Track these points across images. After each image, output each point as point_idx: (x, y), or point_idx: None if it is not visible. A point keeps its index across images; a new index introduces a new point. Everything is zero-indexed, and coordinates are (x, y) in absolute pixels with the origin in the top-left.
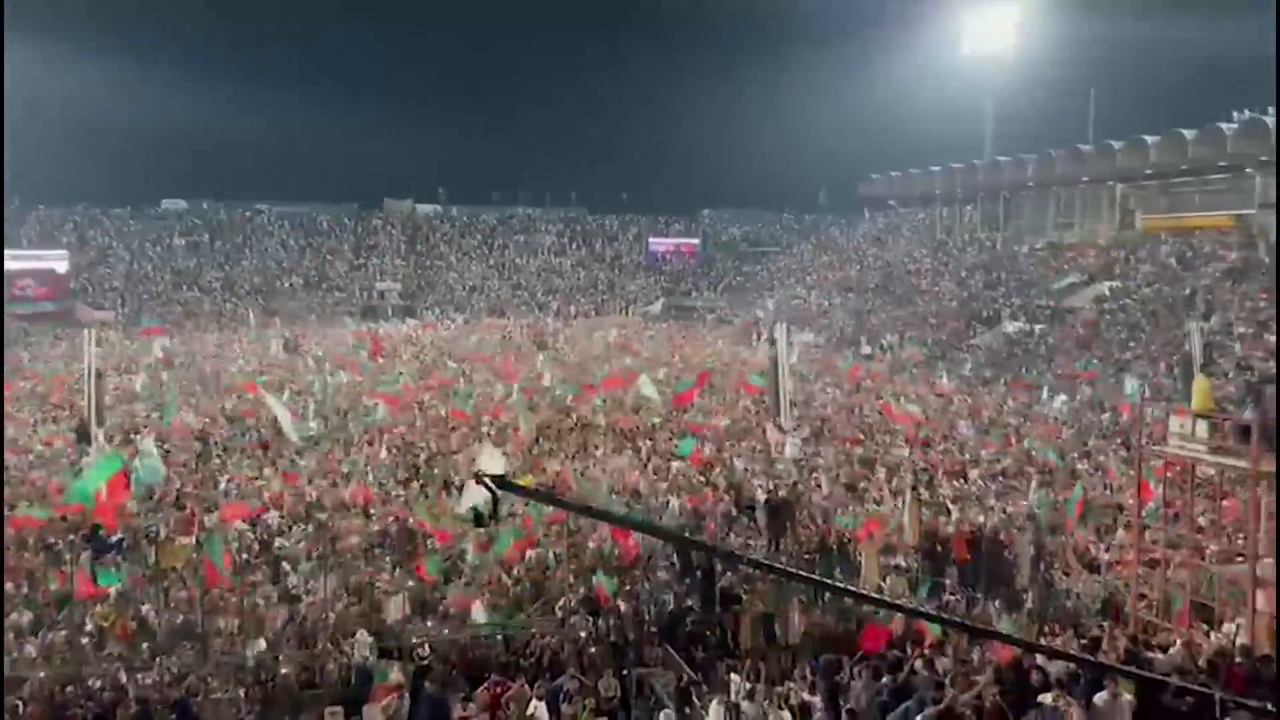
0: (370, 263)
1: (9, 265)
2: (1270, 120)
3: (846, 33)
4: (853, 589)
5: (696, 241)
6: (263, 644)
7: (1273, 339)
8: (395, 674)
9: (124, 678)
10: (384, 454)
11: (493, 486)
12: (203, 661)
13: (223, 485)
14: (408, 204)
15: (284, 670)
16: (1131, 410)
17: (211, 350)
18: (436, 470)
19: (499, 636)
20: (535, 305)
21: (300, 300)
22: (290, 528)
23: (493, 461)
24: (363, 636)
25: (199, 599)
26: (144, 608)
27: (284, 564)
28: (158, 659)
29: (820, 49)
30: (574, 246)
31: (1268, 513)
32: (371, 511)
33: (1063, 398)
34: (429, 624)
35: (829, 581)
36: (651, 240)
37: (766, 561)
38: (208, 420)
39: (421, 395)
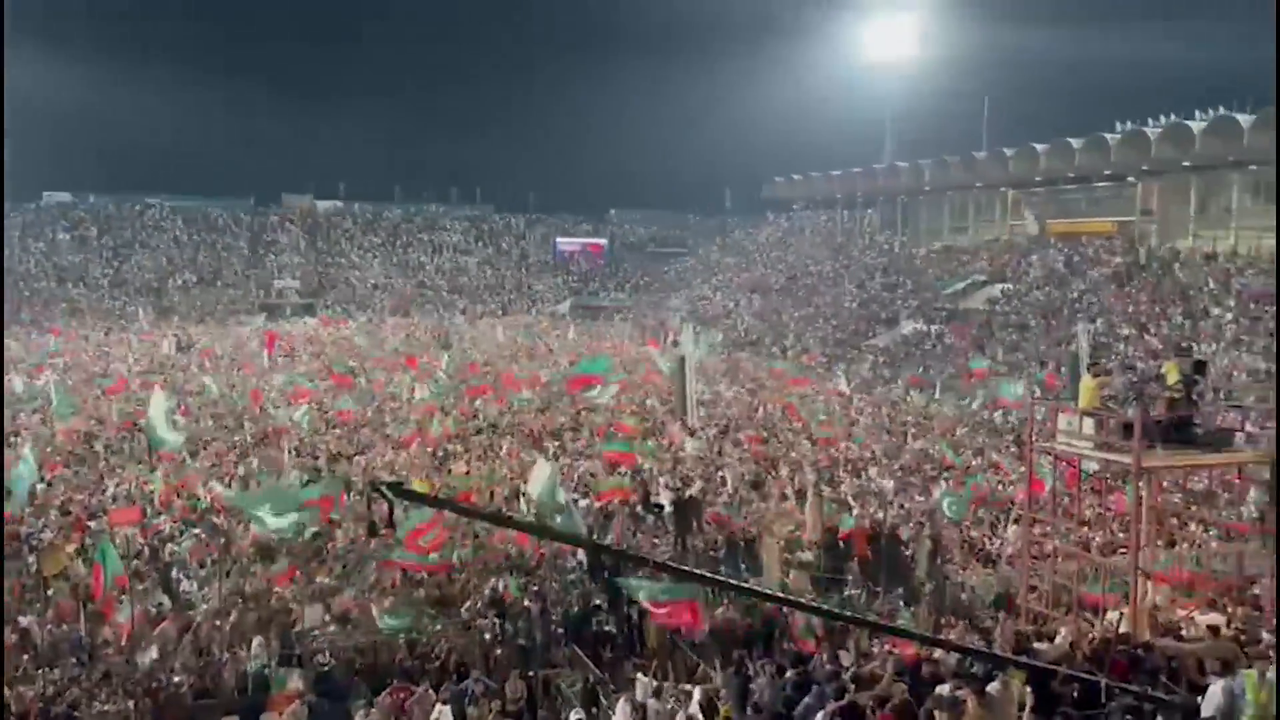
0: (268, 260)
1: None
2: (1151, 131)
3: (752, 40)
4: (752, 587)
5: (604, 242)
6: (154, 653)
7: (1154, 340)
8: (294, 681)
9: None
10: (284, 456)
11: (389, 495)
12: (89, 673)
13: (110, 489)
14: (307, 199)
15: (176, 680)
16: (1024, 407)
17: (98, 350)
18: (337, 472)
19: (402, 640)
20: (440, 304)
21: (194, 298)
22: (181, 532)
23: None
24: (260, 643)
25: (84, 607)
26: (23, 619)
27: (175, 570)
28: (40, 671)
29: (726, 55)
30: (480, 245)
31: (1149, 505)
32: None
33: (957, 396)
34: (330, 629)
35: (727, 580)
36: (559, 240)
37: (666, 562)
38: (94, 422)
39: (321, 396)
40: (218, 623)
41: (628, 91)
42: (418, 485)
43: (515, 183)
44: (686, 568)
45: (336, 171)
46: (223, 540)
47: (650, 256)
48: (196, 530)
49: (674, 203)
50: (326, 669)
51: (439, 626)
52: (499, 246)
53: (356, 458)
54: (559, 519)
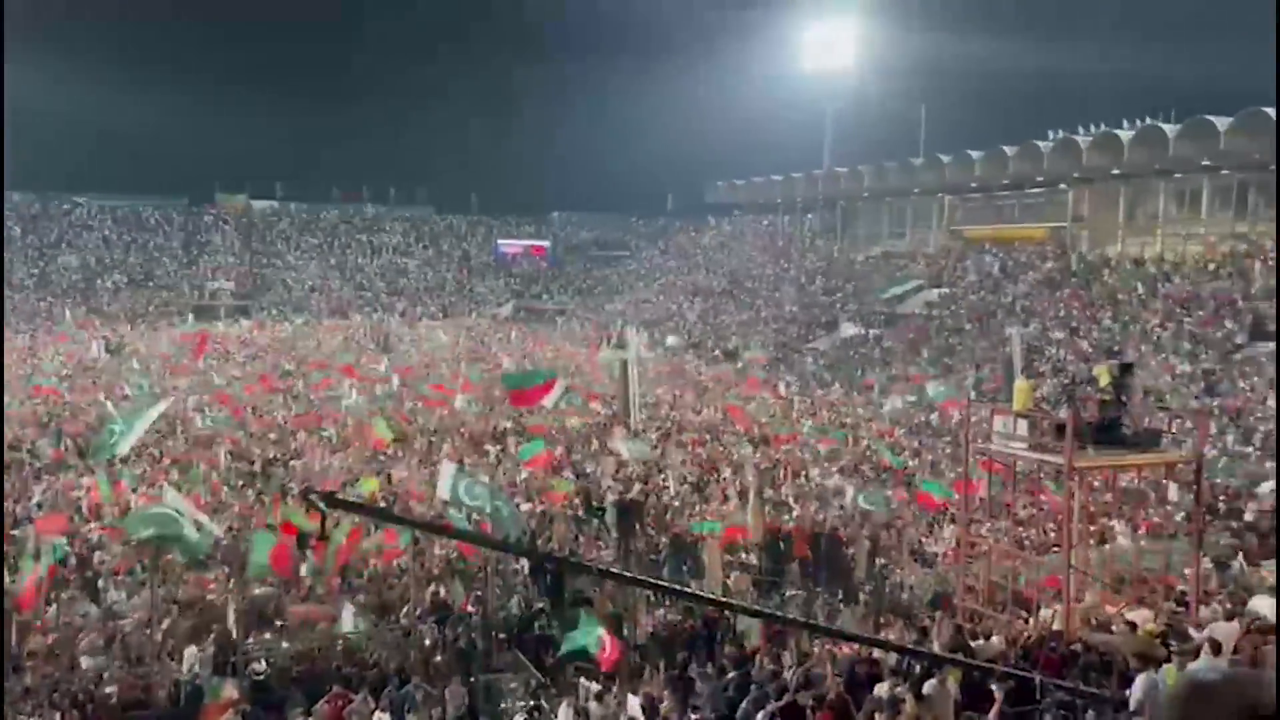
0: (201, 260)
1: None
2: (1082, 140)
3: (694, 45)
4: (692, 590)
5: (547, 244)
6: (84, 663)
7: (1084, 344)
8: (229, 690)
9: None
10: (220, 460)
11: (321, 505)
12: (15, 684)
13: (36, 497)
14: (242, 199)
15: (107, 690)
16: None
17: (22, 353)
18: (273, 477)
19: (340, 647)
20: (379, 306)
21: (124, 300)
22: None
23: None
24: (193, 652)
25: (9, 618)
26: None
27: (103, 579)
28: None
29: (668, 60)
30: (420, 246)
31: (1081, 504)
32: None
33: (896, 399)
34: (266, 636)
35: (667, 584)
36: (500, 242)
37: (604, 568)
38: (19, 427)
39: (257, 399)
40: (148, 631)
41: (570, 94)
42: (367, 487)
43: (456, 184)
44: (628, 574)
45: (273, 171)
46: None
47: (593, 259)
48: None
49: (617, 205)
50: (263, 677)
51: (378, 633)
52: (440, 248)
53: (293, 462)
54: (486, 519)
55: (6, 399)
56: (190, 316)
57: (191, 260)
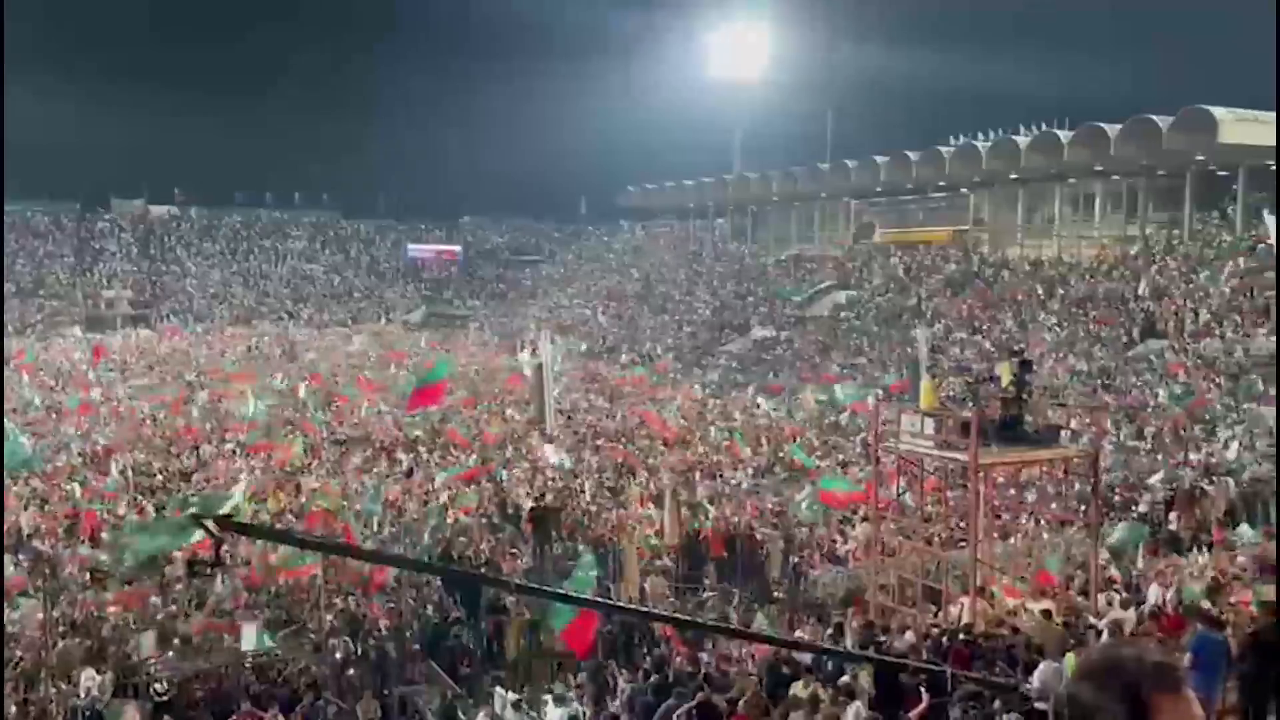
0: (96, 268)
1: None
2: (981, 146)
3: (605, 50)
4: (604, 601)
5: (458, 249)
6: None
7: (987, 343)
8: (130, 713)
9: None
10: (113, 475)
11: (213, 529)
12: None
13: None
14: (138, 204)
15: None
16: (869, 410)
17: None
18: (175, 492)
19: (248, 664)
20: (285, 313)
21: (12, 309)
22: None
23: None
24: (90, 674)
25: None
26: None
27: None
28: None
29: (580, 64)
30: (327, 252)
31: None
32: (102, 538)
33: (807, 399)
34: (170, 655)
35: (578, 596)
36: (410, 247)
37: (520, 582)
38: None
39: (157, 411)
40: (43, 654)
41: (480, 98)
42: (273, 501)
43: (363, 187)
44: (543, 587)
45: (171, 175)
46: (48, 568)
47: (505, 264)
48: (18, 557)
49: (528, 210)
50: (165, 699)
51: (288, 649)
52: (347, 253)
53: (195, 475)
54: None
55: None
56: (85, 326)
57: (85, 268)
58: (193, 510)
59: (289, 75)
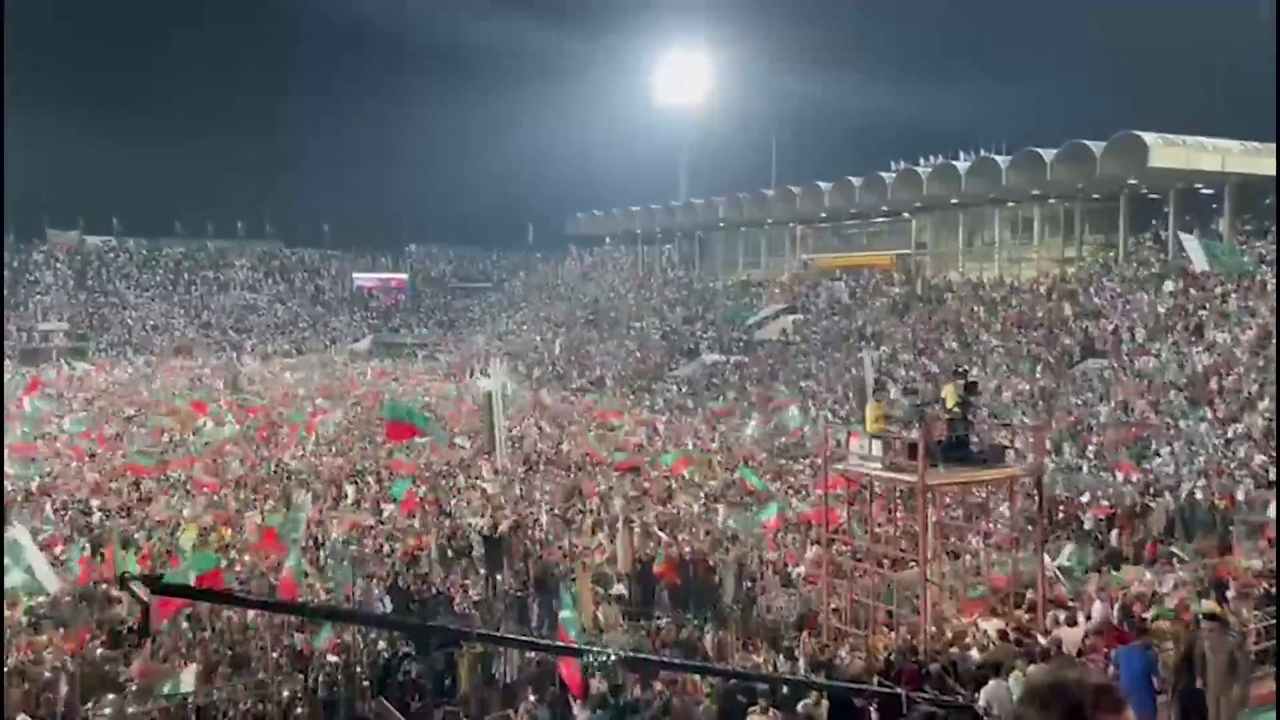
0: (31, 300)
1: None
2: (923, 171)
3: (552, 79)
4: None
5: (405, 276)
6: None
7: (931, 365)
8: None
9: None
10: (48, 512)
11: (140, 594)
12: None
13: None
14: (75, 234)
15: None
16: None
17: None
18: (112, 529)
19: (191, 705)
20: (228, 344)
21: None
22: None
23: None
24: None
25: None
26: None
27: None
28: None
29: (527, 93)
30: (270, 282)
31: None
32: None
33: (755, 423)
34: (110, 696)
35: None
36: (356, 275)
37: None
38: None
39: (94, 446)
40: None
41: (425, 124)
42: (215, 538)
43: (307, 216)
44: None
45: (108, 205)
46: None
47: (453, 291)
48: None
49: (475, 238)
50: None
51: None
52: (291, 283)
53: (135, 511)
54: None
55: None
56: (22, 361)
57: (19, 301)
58: (123, 571)
59: (230, 103)
